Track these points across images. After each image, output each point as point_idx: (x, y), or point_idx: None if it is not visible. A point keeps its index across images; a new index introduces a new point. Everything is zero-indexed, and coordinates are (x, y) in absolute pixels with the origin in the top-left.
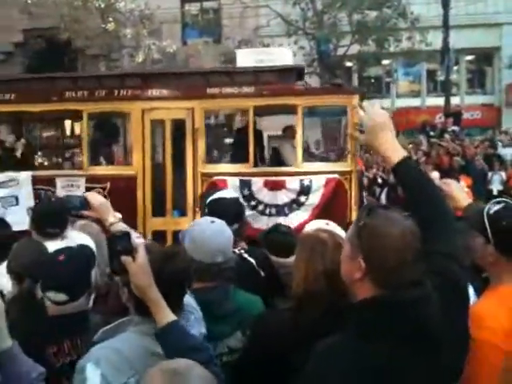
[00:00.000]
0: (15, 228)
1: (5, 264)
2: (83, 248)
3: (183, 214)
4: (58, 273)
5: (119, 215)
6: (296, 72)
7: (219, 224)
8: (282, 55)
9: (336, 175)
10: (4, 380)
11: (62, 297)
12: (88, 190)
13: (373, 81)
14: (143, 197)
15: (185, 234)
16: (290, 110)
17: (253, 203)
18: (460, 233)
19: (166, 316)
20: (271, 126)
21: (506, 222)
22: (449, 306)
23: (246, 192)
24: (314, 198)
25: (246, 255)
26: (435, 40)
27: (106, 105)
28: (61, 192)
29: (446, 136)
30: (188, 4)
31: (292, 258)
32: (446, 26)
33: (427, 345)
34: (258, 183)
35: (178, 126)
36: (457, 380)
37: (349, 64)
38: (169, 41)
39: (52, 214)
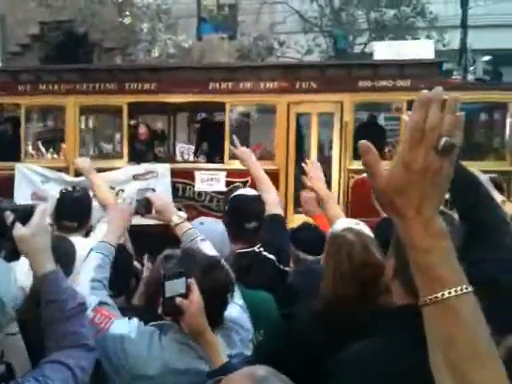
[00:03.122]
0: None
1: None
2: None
3: None
4: None
5: (184, 215)
6: (439, 66)
7: (208, 223)
8: (421, 48)
9: (495, 175)
10: (42, 307)
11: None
12: (228, 184)
13: None
14: (285, 193)
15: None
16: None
17: None
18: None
19: (220, 358)
20: None
21: None
22: (502, 313)
23: None
24: (498, 198)
25: (265, 253)
26: (453, 40)
27: (251, 97)
28: (200, 186)
29: None
30: None
31: (321, 256)
32: (463, 26)
33: None
34: None
35: (326, 120)
36: None
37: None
38: (184, 36)
39: (70, 207)
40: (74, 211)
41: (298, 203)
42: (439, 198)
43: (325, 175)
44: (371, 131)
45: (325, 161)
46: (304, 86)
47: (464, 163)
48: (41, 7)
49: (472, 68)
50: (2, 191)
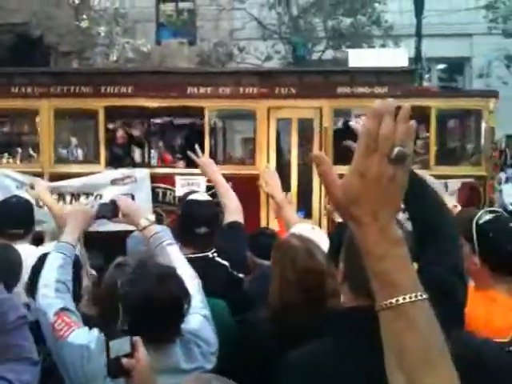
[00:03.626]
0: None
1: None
2: None
3: (308, 215)
4: None
5: (152, 217)
6: (412, 74)
7: None
8: (394, 56)
9: (472, 180)
10: None
11: None
12: (209, 189)
13: None
14: (267, 197)
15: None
16: (421, 111)
17: None
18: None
19: None
20: None
21: (492, 234)
22: (446, 320)
23: None
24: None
25: (218, 259)
26: (408, 48)
27: (230, 102)
28: (181, 191)
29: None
30: (163, 4)
31: None
32: (418, 35)
33: None
34: None
35: (305, 126)
36: None
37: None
38: (143, 40)
39: (14, 214)
40: (18, 218)
41: None
42: (395, 206)
43: (305, 180)
44: (347, 136)
45: (305, 165)
46: (283, 92)
47: (441, 168)
48: None
49: (427, 76)
50: None
